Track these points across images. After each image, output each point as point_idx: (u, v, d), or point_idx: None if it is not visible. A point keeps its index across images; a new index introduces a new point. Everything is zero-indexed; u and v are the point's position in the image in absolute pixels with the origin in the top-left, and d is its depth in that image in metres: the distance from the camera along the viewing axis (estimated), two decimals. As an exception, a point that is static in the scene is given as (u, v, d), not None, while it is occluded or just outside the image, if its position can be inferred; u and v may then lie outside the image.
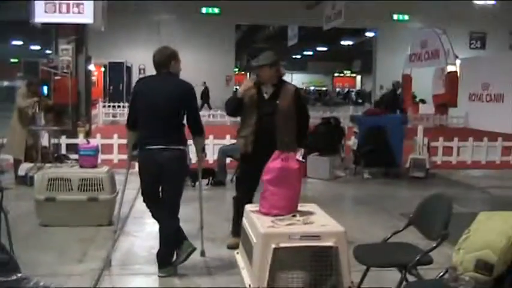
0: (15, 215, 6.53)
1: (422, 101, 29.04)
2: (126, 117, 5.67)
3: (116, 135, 12.01)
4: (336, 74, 68.24)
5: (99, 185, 7.02)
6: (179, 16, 34.26)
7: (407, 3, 33.02)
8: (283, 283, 3.70)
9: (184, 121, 5.39)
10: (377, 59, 38.45)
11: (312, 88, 63.60)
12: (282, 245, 3.70)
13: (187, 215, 5.97)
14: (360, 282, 4.30)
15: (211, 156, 10.92)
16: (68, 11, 12.10)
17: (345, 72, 67.68)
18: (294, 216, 4.08)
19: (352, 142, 12.16)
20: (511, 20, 34.51)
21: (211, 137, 11.83)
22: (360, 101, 53.41)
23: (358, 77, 66.35)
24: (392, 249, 4.31)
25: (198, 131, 5.52)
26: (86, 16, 12.18)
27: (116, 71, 32.92)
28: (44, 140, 10.74)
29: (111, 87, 33.05)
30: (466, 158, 13.50)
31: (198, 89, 18.75)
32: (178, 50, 5.53)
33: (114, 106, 26.55)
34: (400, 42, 32.28)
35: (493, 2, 31.22)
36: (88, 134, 12.75)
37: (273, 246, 3.68)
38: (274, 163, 4.23)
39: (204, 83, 29.14)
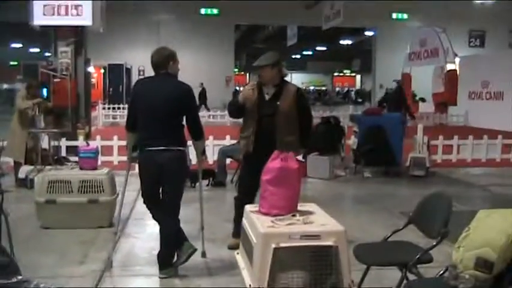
0: (16, 217, 6.54)
1: (422, 100, 29.05)
2: (125, 119, 5.67)
3: (115, 137, 12.01)
4: (335, 74, 68.21)
5: (100, 186, 7.02)
6: (178, 17, 34.27)
7: (406, 2, 32.98)
8: (283, 283, 3.70)
9: (184, 122, 5.39)
10: (376, 58, 38.44)
11: (311, 88, 63.56)
12: (282, 244, 3.70)
13: (187, 216, 5.98)
14: (360, 281, 4.31)
15: (211, 157, 10.91)
16: (66, 13, 12.12)
17: (345, 71, 67.67)
18: (293, 216, 4.08)
19: (352, 141, 12.16)
20: (511, 18, 34.50)
21: (211, 137, 11.82)
22: (360, 100, 53.39)
23: (358, 76, 66.34)
24: (393, 248, 4.31)
25: (197, 135, 5.51)
26: (84, 18, 12.20)
27: (116, 72, 32.91)
28: (44, 143, 10.74)
29: (111, 89, 33.03)
30: (466, 156, 13.51)
31: (196, 91, 18.72)
32: (178, 51, 5.53)
33: (114, 108, 26.52)
34: (400, 41, 32.31)
35: (492, 1, 31.28)
36: (88, 136, 12.78)
37: (273, 246, 3.68)
38: (274, 163, 4.23)
39: (202, 84, 29.12)
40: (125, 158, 6.02)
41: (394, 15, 35.50)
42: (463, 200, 8.82)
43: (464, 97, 25.34)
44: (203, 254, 5.83)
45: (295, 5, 30.99)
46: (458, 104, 25.26)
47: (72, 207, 6.94)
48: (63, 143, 11.63)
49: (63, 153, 11.42)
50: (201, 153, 5.77)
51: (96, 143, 11.38)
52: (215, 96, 31.56)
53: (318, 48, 55.05)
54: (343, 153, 11.96)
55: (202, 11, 34.27)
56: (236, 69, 46.98)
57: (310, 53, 59.13)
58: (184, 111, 5.29)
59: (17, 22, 21.78)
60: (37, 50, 39.13)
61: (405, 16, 35.43)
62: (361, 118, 12.23)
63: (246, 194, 5.97)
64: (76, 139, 11.96)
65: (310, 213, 4.21)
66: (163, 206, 5.34)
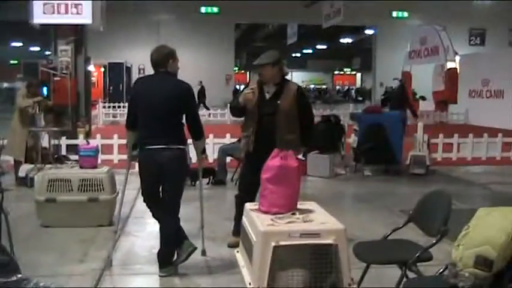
0: (16, 216, 6.54)
1: (423, 98, 29.02)
2: (125, 118, 5.67)
3: (116, 136, 12.01)
4: (335, 72, 68.18)
5: (99, 185, 7.02)
6: (178, 15, 34.28)
7: (406, 0, 33.00)
8: (283, 281, 3.70)
9: (184, 120, 5.38)
10: (377, 56, 38.47)
11: (311, 86, 63.51)
12: (282, 243, 3.70)
13: (187, 215, 5.98)
14: (360, 279, 4.31)
15: (211, 155, 10.91)
16: (66, 12, 12.13)
17: (345, 70, 67.65)
18: (293, 214, 4.08)
19: (352, 140, 12.16)
20: (511, 16, 34.48)
21: (211, 136, 11.81)
22: (360, 98, 53.38)
23: (358, 75, 66.32)
24: (392, 246, 4.31)
25: (197, 135, 5.50)
26: (84, 17, 12.20)
27: (116, 71, 32.94)
28: (44, 141, 10.76)
29: (111, 88, 33.05)
30: (466, 155, 13.50)
31: (195, 89, 18.71)
32: (178, 49, 5.52)
33: (114, 106, 26.51)
34: (400, 40, 32.30)
35: (492, 1, 31.28)
36: (88, 135, 12.78)
37: (273, 244, 3.68)
38: (273, 161, 4.22)
39: (200, 82, 29.11)
40: (125, 157, 6.03)
41: (394, 14, 35.51)
42: (463, 198, 8.82)
43: (464, 95, 25.33)
44: (203, 253, 5.83)
45: (295, 4, 30.97)
46: (458, 102, 25.27)
47: (72, 205, 6.94)
48: (64, 141, 11.64)
49: (64, 151, 11.42)
50: (201, 152, 5.75)
51: (96, 141, 11.38)
52: (215, 95, 31.57)
53: (318, 46, 55.04)
54: (343, 152, 11.96)
55: (203, 9, 34.28)
56: (236, 68, 46.98)
57: (310, 51, 59.09)
58: (184, 110, 5.28)
59: (17, 21, 21.79)
60: (37, 48, 39.09)
61: (405, 14, 35.44)
62: (361, 116, 12.22)
63: (247, 192, 5.96)
64: (76, 138, 11.97)
65: (310, 211, 4.21)
66: (163, 204, 5.34)
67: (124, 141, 6.16)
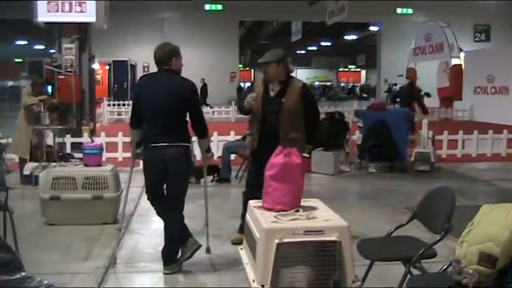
0: (21, 214, 6.58)
1: (427, 95, 28.92)
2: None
3: (120, 133, 12.02)
4: (340, 69, 68.19)
5: (104, 183, 7.03)
6: (182, 13, 34.28)
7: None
8: (286, 278, 3.70)
9: (188, 118, 5.38)
10: (381, 53, 38.44)
11: (316, 83, 63.48)
12: (285, 240, 3.69)
13: (192, 212, 5.99)
14: (364, 276, 4.30)
15: (216, 153, 10.89)
16: (70, 10, 12.15)
17: (350, 67, 67.62)
18: (297, 211, 4.07)
19: (356, 137, 12.15)
20: (516, 12, 34.42)
21: (215, 133, 11.82)
22: (365, 95, 53.32)
23: (363, 72, 66.33)
24: (396, 243, 4.31)
25: (202, 133, 5.49)
26: (88, 15, 12.22)
27: (120, 69, 32.94)
28: (49, 139, 10.79)
29: (116, 86, 33.06)
30: (471, 151, 13.46)
31: (197, 86, 18.73)
32: (182, 47, 5.50)
33: (118, 104, 26.47)
34: (404, 36, 32.27)
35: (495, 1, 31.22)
36: (92, 133, 12.79)
37: (276, 241, 3.67)
38: (277, 158, 4.21)
39: (203, 79, 29.08)
40: (129, 155, 6.04)
41: (398, 10, 35.48)
42: (468, 195, 8.80)
43: (469, 92, 25.25)
44: (208, 250, 5.84)
45: (299, 1, 30.94)
46: (463, 99, 25.17)
47: (76, 203, 6.95)
48: (68, 139, 11.65)
49: (68, 149, 11.44)
50: (206, 150, 5.73)
51: (101, 139, 11.40)
52: (219, 93, 31.59)
53: (323, 43, 55.03)
54: (347, 149, 11.96)
55: (207, 7, 34.28)
56: (241, 65, 46.98)
57: (314, 48, 59.12)
58: (188, 107, 5.26)
59: (22, 19, 21.81)
60: (42, 47, 39.21)
61: (410, 11, 35.39)
62: (365, 113, 12.20)
63: (254, 189, 5.94)
64: (81, 136, 11.99)
65: (313, 208, 4.20)
66: (167, 202, 5.35)
67: (128, 139, 6.15)
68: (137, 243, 6.41)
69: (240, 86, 37.04)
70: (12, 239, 5.07)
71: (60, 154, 10.28)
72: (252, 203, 4.38)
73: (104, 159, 8.07)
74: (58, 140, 10.74)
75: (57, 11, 12.11)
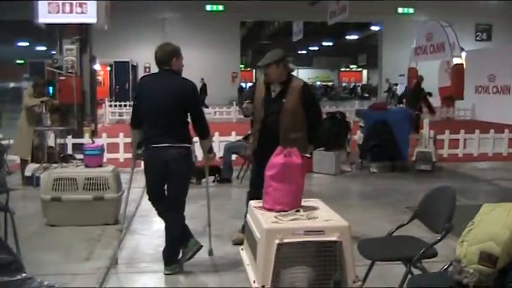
0: (22, 215, 6.59)
1: (429, 94, 28.89)
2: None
3: (121, 134, 12.04)
4: (341, 69, 68.16)
5: (105, 184, 7.03)
6: (183, 14, 34.27)
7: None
8: (287, 279, 3.69)
9: (189, 118, 5.37)
10: (383, 53, 38.39)
11: (318, 83, 63.47)
12: (286, 240, 3.69)
13: (193, 213, 5.98)
14: (365, 276, 4.30)
15: (217, 153, 10.89)
16: (71, 11, 12.12)
17: (351, 66, 67.61)
18: (297, 211, 4.06)
19: (358, 137, 12.14)
20: (517, 11, 34.37)
21: (216, 134, 11.81)
22: (366, 95, 53.31)
23: (364, 72, 66.30)
24: (397, 243, 4.30)
25: (203, 134, 5.47)
26: (89, 16, 12.20)
27: (122, 70, 32.92)
28: (50, 140, 10.79)
29: (117, 87, 33.05)
30: (473, 151, 13.46)
31: (198, 87, 18.74)
32: (183, 48, 5.49)
33: (120, 105, 26.45)
34: (406, 36, 32.24)
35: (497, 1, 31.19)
36: (94, 134, 12.79)
37: (277, 241, 3.67)
38: (277, 159, 4.21)
39: (202, 79, 29.04)
40: (130, 155, 6.03)
41: (400, 10, 35.44)
42: (469, 195, 8.80)
43: (470, 91, 25.23)
44: (210, 252, 5.81)
45: (300, 1, 30.92)
46: (464, 98, 25.15)
47: (77, 204, 6.96)
48: (69, 140, 11.66)
49: (69, 150, 11.44)
50: (208, 151, 5.72)
51: (102, 140, 11.41)
52: (221, 93, 31.56)
53: (324, 43, 55.02)
54: (349, 149, 11.96)
55: (208, 7, 34.26)
56: (242, 66, 46.98)
57: (316, 48, 59.11)
58: (188, 108, 5.26)
59: (22, 20, 21.83)
60: (43, 48, 39.24)
61: (411, 10, 35.35)
62: (366, 113, 12.20)
63: (258, 189, 5.92)
64: (82, 137, 11.98)
65: (314, 208, 4.20)
66: (168, 203, 5.35)
67: (129, 140, 6.15)
68: (138, 244, 6.41)
69: (241, 87, 37.01)
70: (13, 240, 5.08)
71: (62, 155, 10.27)
72: (252, 203, 4.38)
73: (105, 160, 8.08)
74: (59, 141, 10.74)
75: (58, 12, 12.09)
